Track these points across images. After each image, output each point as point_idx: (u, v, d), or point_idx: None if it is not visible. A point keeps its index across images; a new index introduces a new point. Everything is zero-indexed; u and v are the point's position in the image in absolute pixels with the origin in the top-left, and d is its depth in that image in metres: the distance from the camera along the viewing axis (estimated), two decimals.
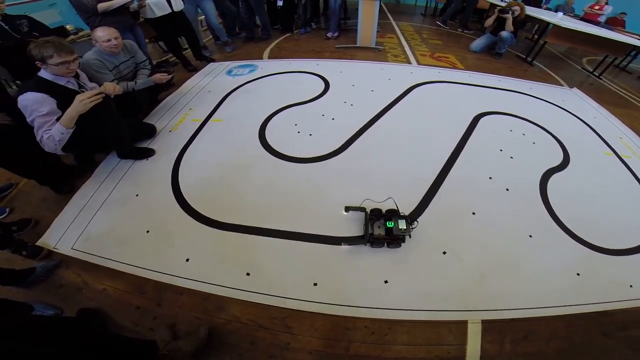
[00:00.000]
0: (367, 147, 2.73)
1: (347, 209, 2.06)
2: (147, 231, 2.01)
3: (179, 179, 2.38)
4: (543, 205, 2.29)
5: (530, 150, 2.84)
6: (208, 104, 3.36)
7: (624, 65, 5.60)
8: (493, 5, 5.80)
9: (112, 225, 2.06)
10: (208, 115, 3.16)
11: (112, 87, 2.28)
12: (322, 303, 1.67)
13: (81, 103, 1.92)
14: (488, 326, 1.62)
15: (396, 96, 3.54)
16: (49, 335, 1.10)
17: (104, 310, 1.63)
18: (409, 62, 4.66)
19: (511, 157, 2.71)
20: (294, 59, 4.53)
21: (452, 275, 1.82)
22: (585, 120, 3.47)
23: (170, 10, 3.64)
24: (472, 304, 1.69)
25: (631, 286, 1.86)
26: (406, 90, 3.69)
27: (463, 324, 1.62)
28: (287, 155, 2.60)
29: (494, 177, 2.47)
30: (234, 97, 3.50)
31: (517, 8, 4.83)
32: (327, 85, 3.74)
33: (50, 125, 1.90)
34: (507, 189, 2.38)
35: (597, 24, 6.09)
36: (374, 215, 1.95)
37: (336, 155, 2.62)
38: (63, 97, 1.97)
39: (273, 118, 3.09)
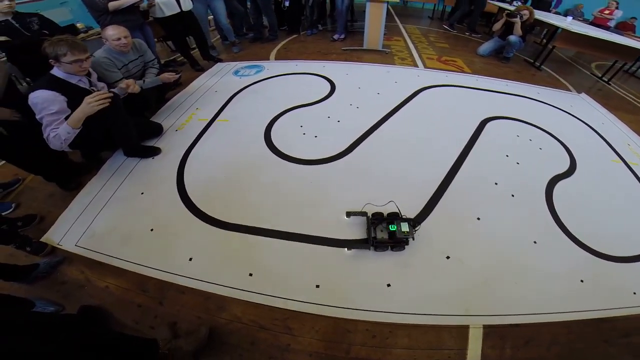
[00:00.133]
0: (372, 150, 2.72)
1: (349, 214, 2.05)
2: (151, 229, 2.02)
3: (184, 178, 2.39)
4: (548, 212, 2.27)
5: (537, 156, 2.82)
6: (215, 104, 3.37)
7: (634, 71, 5.55)
8: (501, 10, 5.78)
9: (116, 222, 2.07)
10: (214, 115, 3.17)
11: (133, 85, 2.34)
12: (323, 305, 1.66)
13: (89, 105, 1.94)
14: (490, 331, 1.61)
15: (402, 99, 3.54)
16: (48, 333, 1.10)
17: (106, 307, 1.63)
18: (415, 65, 4.65)
19: (517, 163, 2.69)
20: (300, 61, 4.54)
21: (455, 279, 1.81)
22: (593, 127, 3.43)
23: (179, 10, 3.67)
24: (474, 309, 1.68)
25: (635, 293, 1.85)
26: (413, 94, 3.68)
27: (464, 329, 1.61)
28: (292, 157, 2.60)
29: (499, 183, 2.45)
30: (241, 98, 3.51)
31: (525, 12, 4.80)
32: (333, 87, 3.74)
33: (58, 124, 1.92)
34: (513, 195, 2.36)
35: (607, 28, 6.05)
36: (376, 219, 1.95)
37: (341, 157, 2.62)
38: (74, 95, 1.99)
39: (279, 119, 3.10)
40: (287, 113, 3.20)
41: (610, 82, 4.88)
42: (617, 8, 6.48)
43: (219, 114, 3.20)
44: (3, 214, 2.11)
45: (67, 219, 2.09)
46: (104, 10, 3.04)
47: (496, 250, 1.98)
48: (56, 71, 1.99)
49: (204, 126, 3.00)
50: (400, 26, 6.92)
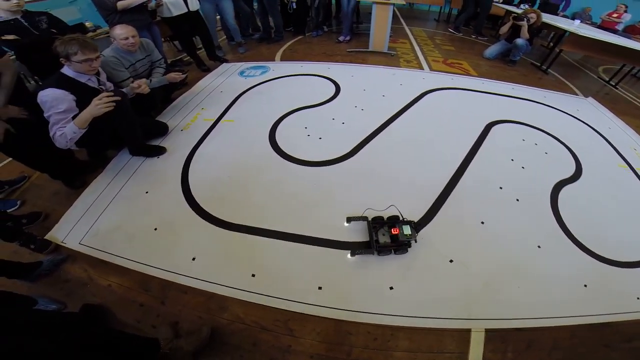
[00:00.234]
0: (376, 152, 2.72)
1: (349, 219, 2.05)
2: (155, 229, 2.03)
3: (189, 178, 2.40)
4: (553, 217, 2.25)
5: (542, 161, 2.80)
6: (220, 104, 3.39)
7: None
8: (508, 13, 5.75)
9: (120, 221, 2.08)
10: (220, 116, 3.19)
11: (144, 85, 2.40)
12: (325, 307, 1.66)
13: (96, 107, 1.96)
14: (492, 335, 1.60)
15: (407, 102, 3.53)
16: (50, 331, 1.11)
17: (108, 306, 1.64)
18: (421, 67, 4.64)
19: (522, 167, 2.67)
20: (305, 62, 4.55)
21: (458, 283, 1.80)
22: (600, 131, 3.40)
23: (186, 10, 3.70)
24: (476, 313, 1.68)
25: (638, 298, 1.83)
26: (418, 97, 3.67)
27: (466, 332, 1.61)
28: (296, 158, 2.60)
29: (504, 187, 2.44)
30: (246, 98, 3.52)
31: (533, 15, 4.77)
32: (337, 89, 3.74)
33: (65, 123, 1.94)
34: (518, 199, 2.35)
35: (615, 32, 6.00)
36: (377, 223, 1.94)
37: (345, 159, 2.62)
38: (83, 94, 2.02)
39: (283, 120, 3.10)
40: (292, 114, 3.20)
41: (617, 86, 4.84)
42: (625, 11, 6.42)
43: (224, 114, 3.21)
44: (8, 211, 2.13)
45: (72, 217, 2.11)
46: (113, 10, 3.07)
47: (500, 254, 1.97)
48: (66, 70, 2.01)
49: (209, 126, 3.01)
50: (406, 28, 6.91)
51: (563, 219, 2.24)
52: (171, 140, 2.81)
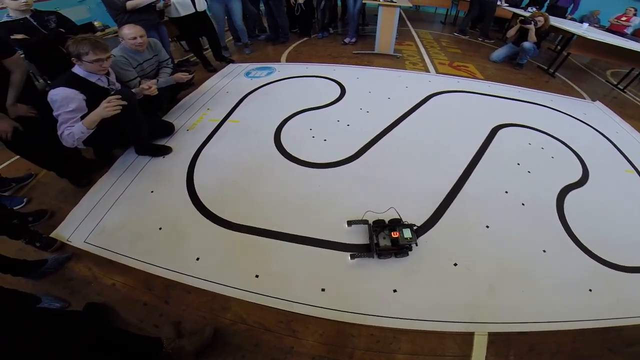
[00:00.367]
0: (381, 155, 2.71)
1: (350, 222, 2.04)
2: (160, 228, 2.04)
3: (194, 178, 2.41)
4: (559, 221, 2.23)
5: (549, 165, 2.77)
6: (226, 105, 3.40)
7: None
8: (516, 15, 5.71)
9: (125, 220, 2.10)
10: (225, 116, 3.20)
11: (154, 87, 2.44)
12: (329, 309, 1.66)
13: (105, 110, 1.98)
14: (495, 339, 1.59)
15: (413, 105, 3.52)
16: (53, 329, 1.11)
17: (111, 305, 1.65)
18: (427, 70, 4.63)
19: (529, 172, 2.65)
20: (311, 63, 4.55)
21: (462, 286, 1.79)
22: (607, 136, 3.37)
23: (194, 10, 3.72)
24: (480, 316, 1.67)
25: None
26: (423, 99, 3.66)
27: (469, 336, 1.60)
28: (301, 160, 2.61)
29: (510, 191, 2.42)
30: (252, 99, 3.54)
31: (540, 19, 4.73)
32: (343, 91, 3.74)
33: (73, 122, 1.96)
34: (523, 204, 2.33)
35: (624, 35, 5.94)
36: (378, 227, 1.93)
37: (350, 162, 2.61)
38: (92, 93, 2.04)
39: (289, 121, 3.11)
40: (297, 115, 3.21)
41: (625, 90, 4.78)
42: (634, 15, 6.36)
43: (229, 115, 3.23)
44: (15, 208, 2.15)
45: (77, 216, 2.13)
46: (122, 9, 3.11)
47: (504, 258, 1.96)
48: (77, 69, 2.04)
49: (214, 127, 3.03)
50: (412, 31, 6.89)
51: (569, 223, 2.22)
52: (177, 140, 2.82)
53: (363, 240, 1.98)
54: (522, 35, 4.91)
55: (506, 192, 2.42)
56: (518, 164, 2.72)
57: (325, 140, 2.86)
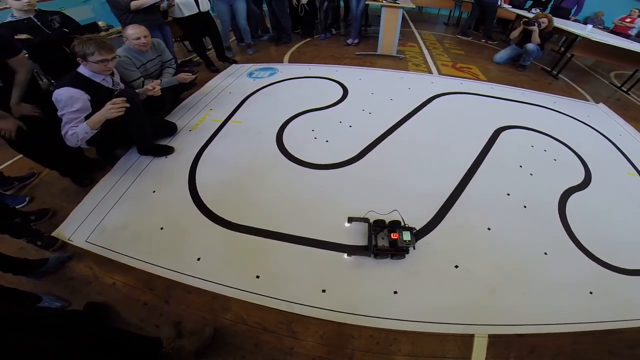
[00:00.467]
0: (383, 156, 2.71)
1: (350, 219, 2.04)
2: (161, 228, 2.05)
3: (196, 178, 2.42)
4: (561, 224, 2.22)
5: (551, 168, 2.76)
6: (228, 105, 3.41)
7: None
8: (519, 17, 5.69)
9: (127, 220, 2.10)
10: (228, 116, 3.21)
11: (158, 87, 2.46)
12: (329, 310, 1.66)
13: (109, 111, 1.99)
14: (495, 340, 1.59)
15: (416, 106, 3.51)
16: (53, 329, 1.11)
17: (112, 304, 1.65)
18: (430, 71, 4.62)
19: (531, 174, 2.64)
20: (313, 64, 4.56)
21: (463, 288, 1.79)
22: (610, 138, 3.35)
23: (197, 10, 3.73)
24: (480, 318, 1.66)
25: None
26: (426, 101, 3.65)
27: (470, 338, 1.59)
28: (302, 161, 2.61)
29: (512, 194, 2.41)
30: (254, 100, 3.54)
31: (544, 20, 4.70)
32: (345, 92, 3.74)
33: (77, 123, 1.97)
34: (525, 206, 2.32)
35: (628, 37, 5.91)
36: (378, 227, 1.93)
37: (352, 163, 2.61)
38: (97, 93, 2.06)
39: (291, 122, 3.11)
40: (300, 116, 3.21)
41: (629, 92, 4.75)
42: (639, 16, 6.33)
43: (232, 115, 3.23)
44: (17, 207, 2.16)
45: (79, 215, 2.13)
46: (127, 9, 3.13)
47: (506, 260, 1.95)
48: (82, 69, 2.05)
49: (217, 127, 3.03)
50: (415, 32, 6.88)
51: (571, 226, 2.21)
52: (179, 140, 2.83)
53: (364, 242, 1.97)
54: (526, 36, 4.89)
55: (508, 194, 2.41)
56: (520, 166, 2.71)
57: (327, 141, 2.86)
